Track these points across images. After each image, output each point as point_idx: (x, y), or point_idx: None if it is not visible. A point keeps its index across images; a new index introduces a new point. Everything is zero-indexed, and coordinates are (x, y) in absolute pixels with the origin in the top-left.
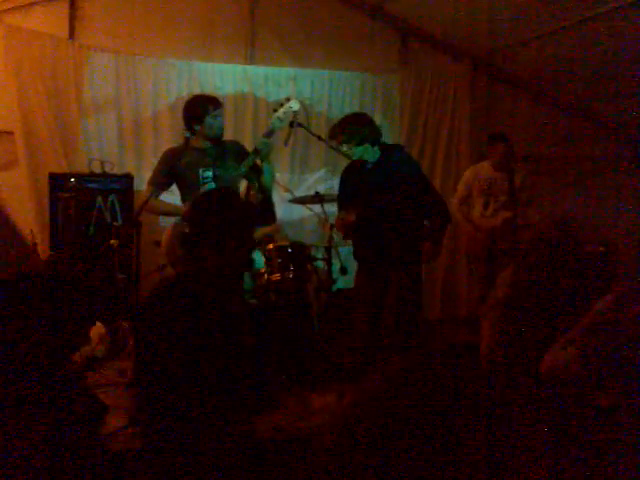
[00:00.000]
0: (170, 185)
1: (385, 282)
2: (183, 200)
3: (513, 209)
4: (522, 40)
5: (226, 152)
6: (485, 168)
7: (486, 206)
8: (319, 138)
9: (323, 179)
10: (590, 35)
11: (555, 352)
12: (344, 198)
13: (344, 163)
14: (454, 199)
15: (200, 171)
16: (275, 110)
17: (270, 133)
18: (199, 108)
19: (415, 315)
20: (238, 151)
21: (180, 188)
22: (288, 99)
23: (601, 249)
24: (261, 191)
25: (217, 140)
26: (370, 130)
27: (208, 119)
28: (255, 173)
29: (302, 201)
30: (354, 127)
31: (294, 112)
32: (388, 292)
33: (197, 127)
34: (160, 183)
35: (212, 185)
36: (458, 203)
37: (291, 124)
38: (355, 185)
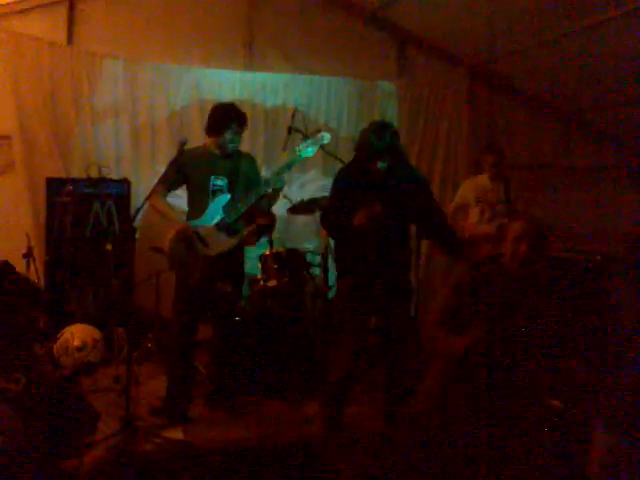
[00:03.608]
0: (180, 184)
1: (376, 299)
2: (190, 203)
3: (509, 216)
4: (520, 48)
5: (241, 165)
6: (482, 178)
7: (482, 214)
8: None
9: (315, 178)
10: (588, 44)
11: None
12: (349, 197)
13: (334, 164)
14: (450, 207)
15: (212, 178)
16: (305, 138)
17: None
18: (222, 121)
19: (406, 335)
20: (252, 166)
21: (188, 190)
22: (319, 130)
23: (597, 258)
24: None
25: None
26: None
27: (227, 135)
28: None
29: (301, 210)
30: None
31: (322, 145)
32: (382, 313)
33: (213, 135)
34: (168, 180)
35: (227, 196)
36: (453, 211)
37: (289, 130)
38: (365, 187)
